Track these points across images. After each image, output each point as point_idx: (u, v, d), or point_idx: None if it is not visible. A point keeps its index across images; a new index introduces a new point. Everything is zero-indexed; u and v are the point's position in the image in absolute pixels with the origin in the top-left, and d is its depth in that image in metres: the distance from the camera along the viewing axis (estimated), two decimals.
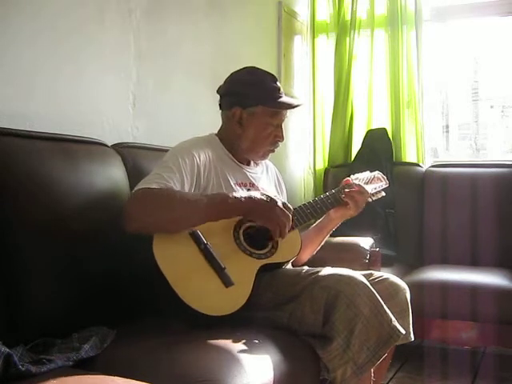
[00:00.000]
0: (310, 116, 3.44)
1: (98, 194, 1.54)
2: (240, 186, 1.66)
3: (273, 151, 1.77)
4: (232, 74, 1.75)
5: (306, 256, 1.86)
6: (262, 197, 1.51)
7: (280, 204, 1.52)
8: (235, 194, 1.49)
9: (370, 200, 1.83)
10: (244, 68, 1.75)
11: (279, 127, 1.72)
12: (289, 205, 1.56)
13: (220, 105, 1.76)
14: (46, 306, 1.35)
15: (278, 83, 1.72)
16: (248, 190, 1.68)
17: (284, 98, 1.71)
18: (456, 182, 2.98)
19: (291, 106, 1.72)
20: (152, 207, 1.40)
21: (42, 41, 1.64)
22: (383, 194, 1.91)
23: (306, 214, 1.68)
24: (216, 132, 1.77)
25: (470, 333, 2.41)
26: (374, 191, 1.87)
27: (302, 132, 3.44)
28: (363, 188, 1.78)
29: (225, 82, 1.75)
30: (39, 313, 1.34)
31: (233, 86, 1.72)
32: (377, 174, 1.93)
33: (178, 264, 1.39)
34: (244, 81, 1.71)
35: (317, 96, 3.43)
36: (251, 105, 1.68)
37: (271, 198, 1.51)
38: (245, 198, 1.49)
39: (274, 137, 1.72)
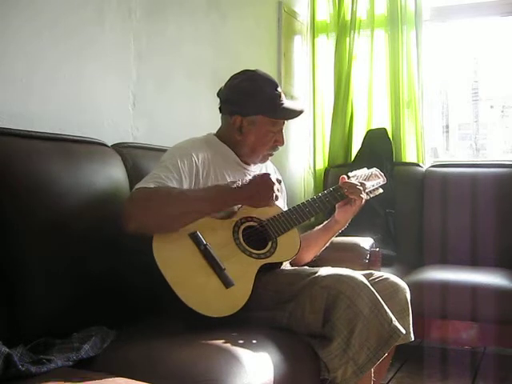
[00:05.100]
0: (310, 116, 3.44)
1: (97, 193, 1.54)
2: None
3: (272, 155, 1.78)
4: (232, 77, 1.73)
5: (309, 256, 1.85)
6: (248, 181, 1.55)
7: (264, 178, 1.55)
8: (230, 184, 1.52)
9: (367, 197, 1.82)
10: (244, 72, 1.72)
11: (279, 133, 1.72)
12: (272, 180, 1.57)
13: (220, 108, 1.75)
14: (46, 306, 1.35)
15: (278, 89, 1.70)
16: None
17: (285, 104, 1.69)
18: (456, 181, 2.97)
19: (291, 116, 1.72)
20: (151, 205, 1.40)
21: (42, 41, 1.64)
22: (381, 190, 1.91)
23: (304, 213, 1.68)
24: (214, 132, 1.77)
25: (470, 333, 2.41)
26: (372, 188, 1.87)
27: (302, 132, 3.44)
28: (359, 184, 1.78)
29: (225, 85, 1.74)
30: (39, 313, 1.34)
31: (232, 94, 1.70)
32: (374, 170, 1.93)
33: (178, 265, 1.39)
34: (244, 89, 1.68)
35: (317, 96, 3.43)
36: (251, 114, 1.67)
37: (254, 177, 1.57)
38: (242, 185, 1.52)
39: (273, 142, 1.72)
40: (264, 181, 1.55)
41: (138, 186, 1.45)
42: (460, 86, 3.68)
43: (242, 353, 1.24)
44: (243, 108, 1.67)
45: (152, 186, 1.43)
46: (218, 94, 1.75)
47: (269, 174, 1.57)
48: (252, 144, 1.70)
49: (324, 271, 1.50)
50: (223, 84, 1.76)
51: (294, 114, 1.72)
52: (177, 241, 1.42)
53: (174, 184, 1.47)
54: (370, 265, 2.08)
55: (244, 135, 1.69)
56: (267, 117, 1.67)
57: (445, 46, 3.43)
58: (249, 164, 1.76)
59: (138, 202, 1.41)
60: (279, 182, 1.62)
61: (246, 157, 1.74)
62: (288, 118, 1.72)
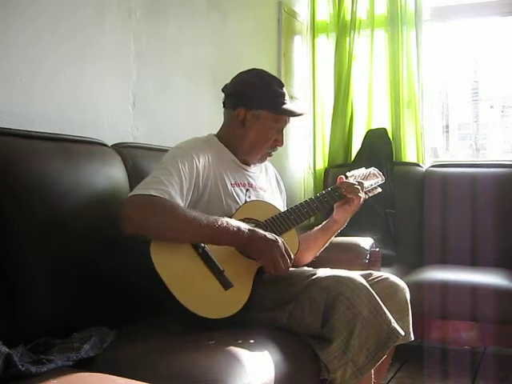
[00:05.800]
0: (310, 116, 3.44)
1: (97, 193, 1.54)
2: (238, 186, 1.66)
3: (270, 155, 1.78)
4: (239, 74, 1.75)
5: (309, 257, 1.85)
6: (266, 234, 1.47)
7: (281, 245, 1.47)
8: (237, 224, 1.45)
9: (366, 196, 1.83)
10: (252, 70, 1.75)
11: (280, 132, 1.73)
12: (290, 251, 1.49)
13: (224, 103, 1.76)
14: (46, 306, 1.35)
15: (283, 89, 1.72)
16: (247, 190, 1.69)
17: (289, 105, 1.71)
18: (456, 181, 2.98)
19: (295, 114, 1.72)
20: (151, 215, 1.39)
21: (43, 41, 1.64)
22: (379, 189, 1.91)
23: (302, 214, 1.68)
24: (215, 133, 1.77)
25: (470, 333, 2.41)
26: (371, 187, 1.87)
27: (302, 132, 3.44)
28: (356, 183, 1.78)
29: (231, 81, 1.75)
30: (39, 313, 1.34)
31: (239, 88, 1.72)
32: (372, 170, 1.93)
33: (177, 268, 1.39)
34: (251, 83, 1.70)
35: (317, 96, 3.43)
36: (256, 107, 1.68)
37: (275, 238, 1.48)
38: (247, 231, 1.45)
39: (273, 141, 1.72)
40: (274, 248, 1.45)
41: (138, 191, 1.42)
42: (460, 86, 3.69)
43: (242, 353, 1.24)
44: (249, 101, 1.68)
45: (153, 193, 1.40)
46: (223, 90, 1.76)
47: (283, 246, 1.48)
48: (253, 139, 1.70)
49: (323, 272, 1.50)
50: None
51: (297, 113, 1.73)
52: (175, 244, 1.42)
53: (174, 188, 1.46)
54: (370, 265, 2.08)
55: (246, 129, 1.69)
56: (272, 112, 1.68)
57: (445, 46, 3.43)
58: (248, 164, 1.76)
59: (140, 207, 1.39)
60: (288, 253, 1.49)
61: (246, 155, 1.73)
62: (292, 115, 1.73)
